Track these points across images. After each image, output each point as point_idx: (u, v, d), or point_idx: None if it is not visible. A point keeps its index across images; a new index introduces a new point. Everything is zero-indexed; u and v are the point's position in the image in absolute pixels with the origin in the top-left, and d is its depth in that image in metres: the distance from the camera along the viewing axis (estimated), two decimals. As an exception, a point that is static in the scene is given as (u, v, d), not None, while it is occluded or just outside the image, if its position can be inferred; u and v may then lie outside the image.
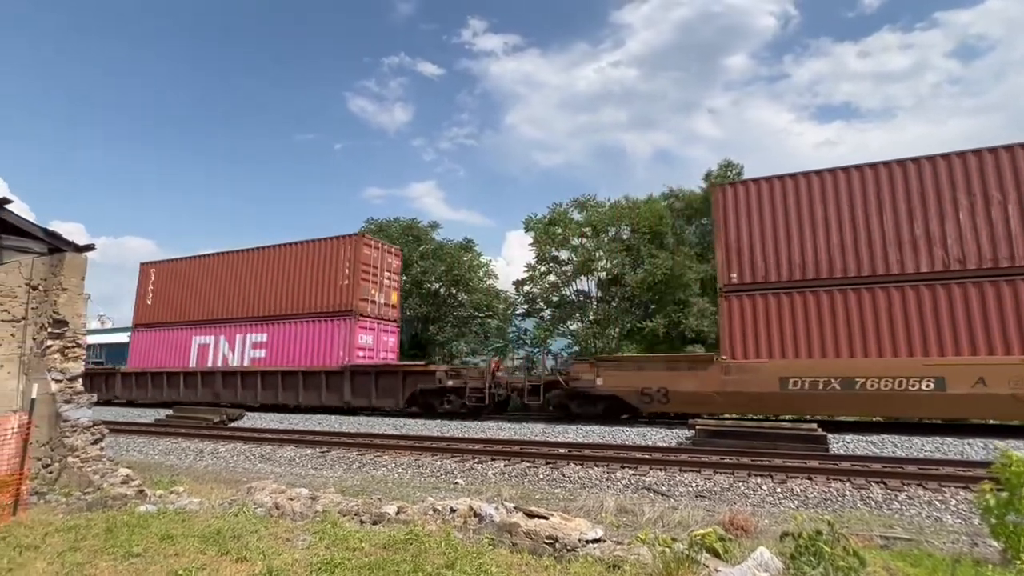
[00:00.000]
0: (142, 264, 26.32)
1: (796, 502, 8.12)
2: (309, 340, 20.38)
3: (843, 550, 4.21)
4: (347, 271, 20.31)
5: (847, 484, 8.50)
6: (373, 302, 20.91)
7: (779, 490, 8.52)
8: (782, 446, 10.83)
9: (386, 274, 21.80)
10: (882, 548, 5.56)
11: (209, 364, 22.19)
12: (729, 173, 33.13)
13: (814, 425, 11.39)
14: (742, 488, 8.71)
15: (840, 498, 8.11)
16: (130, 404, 23.55)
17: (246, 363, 21.28)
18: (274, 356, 20.93)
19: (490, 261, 36.58)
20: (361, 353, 19.85)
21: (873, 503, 7.87)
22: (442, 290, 35.19)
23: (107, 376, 24.52)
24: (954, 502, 7.65)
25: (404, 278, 35.33)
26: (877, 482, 8.48)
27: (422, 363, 19.00)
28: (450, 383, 16.88)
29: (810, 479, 8.80)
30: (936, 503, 7.67)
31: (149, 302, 25.07)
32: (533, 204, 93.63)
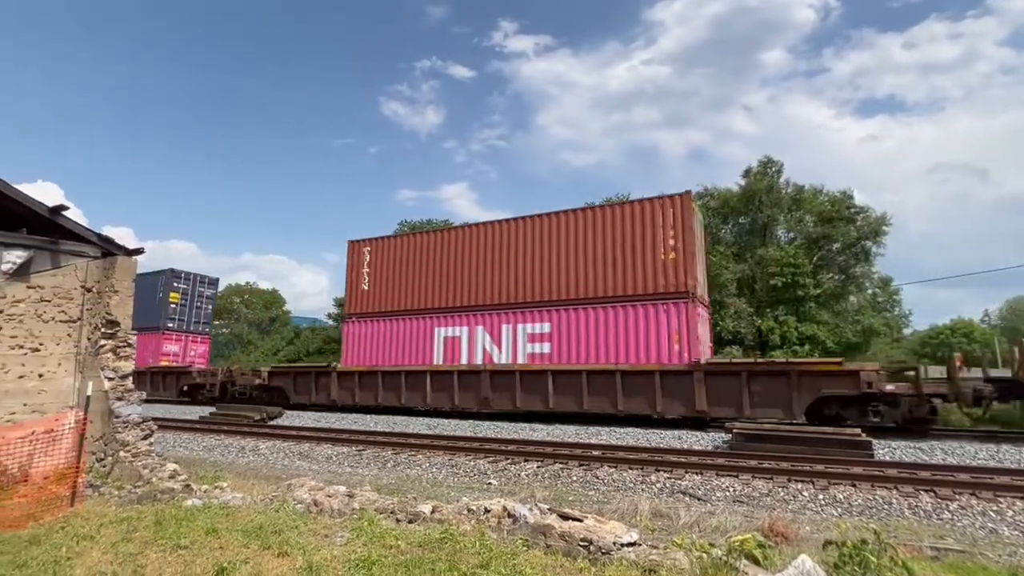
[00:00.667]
0: (351, 242, 21.74)
1: (839, 509, 7.87)
2: (621, 331, 15.89)
3: (890, 560, 4.07)
4: (673, 242, 15.76)
5: (894, 492, 8.19)
6: (699, 281, 16.51)
7: (821, 497, 8.27)
8: (824, 451, 10.50)
9: (697, 242, 16.88)
10: (932, 559, 5.34)
11: (463, 360, 17.99)
12: (768, 171, 32.41)
13: (858, 430, 11.02)
14: (782, 494, 8.49)
15: (886, 506, 7.82)
16: (350, 409, 19.32)
17: (520, 360, 16.94)
18: (563, 351, 16.49)
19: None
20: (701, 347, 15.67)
21: (922, 512, 7.56)
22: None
23: (318, 375, 20.26)
24: (1011, 513, 7.28)
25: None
26: (926, 490, 8.14)
27: (835, 360, 14.62)
28: (888, 387, 12.39)
29: (854, 486, 8.51)
30: (991, 513, 7.32)
31: (365, 287, 20.80)
32: (564, 204, 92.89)
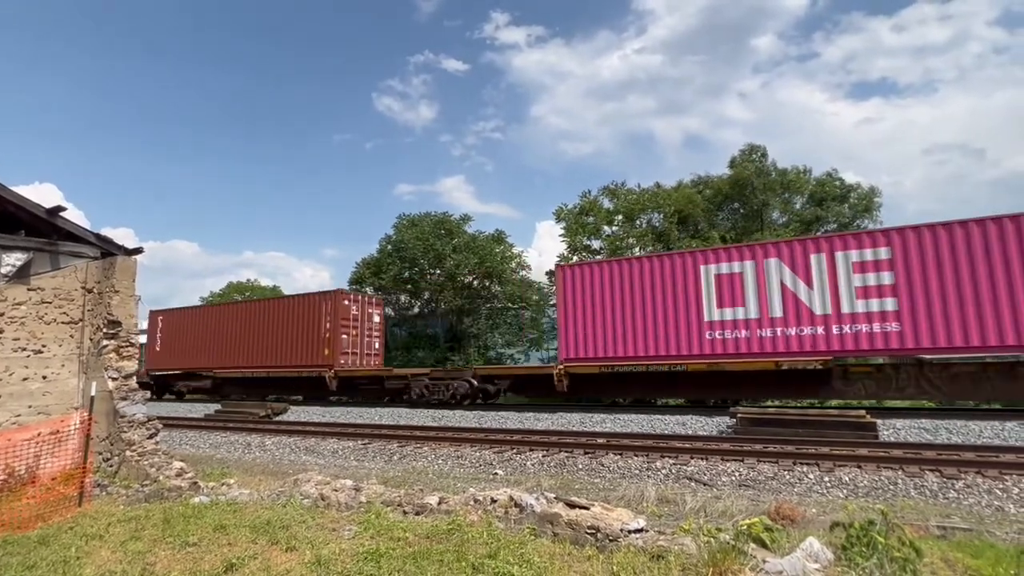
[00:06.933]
0: None
1: (845, 491, 7.89)
2: None
3: (898, 540, 4.07)
4: None
5: (899, 472, 8.21)
6: None
7: (826, 479, 8.28)
8: (829, 434, 10.52)
9: None
10: (939, 538, 5.35)
11: None
12: (754, 155, 32.37)
13: (862, 412, 11.02)
14: (787, 477, 8.51)
15: (892, 487, 7.83)
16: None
17: None
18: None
19: (522, 252, 36.44)
20: None
21: (928, 492, 7.58)
22: (475, 283, 35.36)
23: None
24: (1017, 490, 7.29)
25: (437, 272, 35.66)
26: (932, 470, 8.15)
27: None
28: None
29: (859, 467, 8.53)
30: (997, 491, 7.33)
31: None
32: (562, 195, 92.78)
